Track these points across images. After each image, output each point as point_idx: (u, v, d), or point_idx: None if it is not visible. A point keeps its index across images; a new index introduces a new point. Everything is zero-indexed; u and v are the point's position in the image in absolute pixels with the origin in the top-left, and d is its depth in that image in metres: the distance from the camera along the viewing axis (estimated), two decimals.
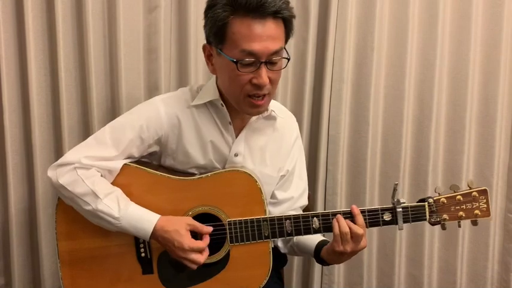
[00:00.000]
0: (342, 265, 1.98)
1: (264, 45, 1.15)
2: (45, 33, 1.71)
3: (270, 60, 1.18)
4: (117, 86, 1.74)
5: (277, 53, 1.19)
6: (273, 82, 1.22)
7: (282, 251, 1.48)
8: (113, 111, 1.78)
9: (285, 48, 1.22)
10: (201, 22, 1.72)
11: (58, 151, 1.76)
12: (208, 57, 1.29)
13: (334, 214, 1.27)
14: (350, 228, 1.23)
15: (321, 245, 1.35)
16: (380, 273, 2.02)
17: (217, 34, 1.19)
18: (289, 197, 1.45)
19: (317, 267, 1.96)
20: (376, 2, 1.82)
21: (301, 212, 1.46)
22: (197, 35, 1.76)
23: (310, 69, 1.85)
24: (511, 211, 2.03)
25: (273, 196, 1.45)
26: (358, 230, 1.23)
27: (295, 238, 1.41)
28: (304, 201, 1.50)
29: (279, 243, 1.47)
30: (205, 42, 1.28)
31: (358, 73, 1.89)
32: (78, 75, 1.75)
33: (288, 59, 1.24)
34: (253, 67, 1.18)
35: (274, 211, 1.44)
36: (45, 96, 1.74)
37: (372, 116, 1.89)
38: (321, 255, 1.33)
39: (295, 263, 1.97)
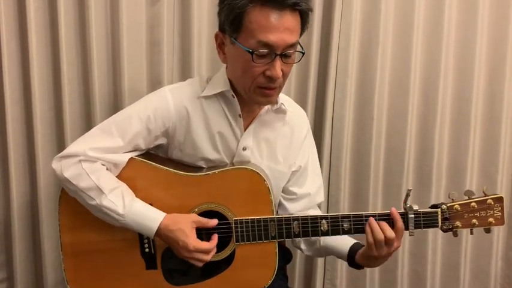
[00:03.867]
0: (344, 261, 1.97)
1: (281, 37, 1.13)
2: (48, 27, 1.69)
3: (285, 53, 1.17)
4: (119, 79, 1.73)
5: (292, 46, 1.17)
6: (284, 75, 1.21)
7: (305, 253, 1.46)
8: (115, 105, 1.76)
9: (299, 42, 1.20)
10: (204, 14, 1.75)
11: (60, 145, 1.75)
12: (220, 46, 1.26)
13: (346, 216, 1.26)
14: (384, 233, 1.22)
15: (354, 249, 1.33)
16: (383, 268, 2.01)
17: (233, 22, 1.16)
18: (306, 193, 1.43)
19: (320, 262, 1.96)
20: None
21: (318, 210, 1.47)
22: (200, 28, 1.75)
23: (314, 63, 1.84)
24: None
25: (290, 192, 1.43)
26: (392, 234, 1.21)
27: (322, 241, 1.39)
28: (321, 198, 1.48)
29: (302, 245, 1.45)
30: (217, 30, 1.25)
31: (363, 68, 1.87)
32: (80, 68, 1.73)
33: (303, 53, 1.22)
34: (268, 59, 1.16)
35: (295, 207, 1.42)
36: (47, 89, 1.73)
37: (376, 111, 1.88)
38: (356, 260, 1.31)
39: (298, 258, 1.97)
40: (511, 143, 1.97)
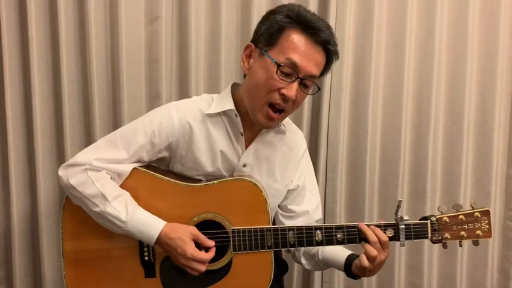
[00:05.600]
0: (341, 273, 1.98)
1: (308, 64, 1.23)
2: (49, 44, 1.74)
3: (304, 81, 1.25)
4: (119, 95, 1.76)
5: (313, 78, 1.27)
6: (295, 103, 1.28)
7: (306, 267, 1.50)
8: (114, 120, 1.80)
9: (315, 83, 1.30)
10: (202, 32, 1.80)
11: (60, 160, 1.78)
12: (247, 56, 1.33)
13: (339, 227, 1.30)
14: (377, 236, 1.26)
15: (350, 260, 1.36)
16: (380, 281, 2.02)
17: (271, 36, 1.25)
18: (305, 211, 1.47)
19: (317, 274, 1.97)
20: (374, 12, 1.84)
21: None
22: (198, 45, 1.79)
23: None
24: (509, 219, 2.04)
25: (288, 210, 1.48)
26: (385, 237, 1.26)
27: (321, 255, 1.43)
28: (319, 215, 1.51)
29: (303, 260, 1.49)
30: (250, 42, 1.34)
31: (357, 82, 1.91)
32: (80, 85, 1.77)
33: (319, 89, 1.35)
34: (289, 79, 1.24)
35: (293, 224, 1.44)
36: (48, 105, 1.77)
37: (370, 124, 1.91)
38: (352, 271, 1.34)
39: (295, 270, 1.98)
40: (503, 155, 2.00)
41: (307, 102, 1.88)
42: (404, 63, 1.88)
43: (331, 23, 1.82)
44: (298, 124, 1.85)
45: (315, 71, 1.25)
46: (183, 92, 1.83)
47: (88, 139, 1.79)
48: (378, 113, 1.93)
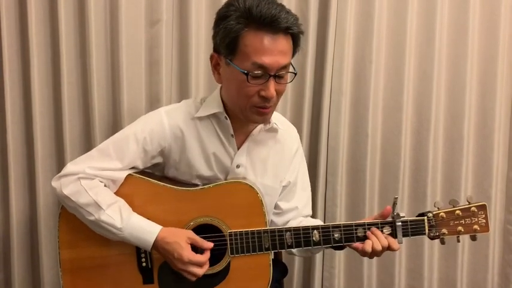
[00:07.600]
0: (342, 277, 1.99)
1: (275, 59, 1.18)
2: (48, 46, 1.74)
3: (278, 74, 1.21)
4: (119, 98, 1.76)
5: (285, 67, 1.22)
6: (278, 94, 1.25)
7: (297, 254, 1.48)
8: (114, 123, 1.79)
9: (291, 63, 1.25)
10: (202, 35, 1.79)
11: (60, 163, 1.78)
12: (215, 67, 1.30)
13: (336, 226, 1.29)
14: (389, 244, 1.27)
15: None
16: (380, 285, 2.02)
17: (229, 45, 1.20)
18: (293, 207, 1.47)
19: (317, 278, 1.96)
20: (374, 15, 1.84)
21: (309, 219, 1.49)
22: (198, 48, 1.79)
23: (309, 81, 1.87)
24: (510, 222, 2.04)
25: (276, 207, 1.47)
26: (396, 245, 1.27)
27: None
28: (309, 211, 1.51)
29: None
30: (212, 51, 1.29)
31: (357, 85, 1.91)
32: (80, 87, 1.77)
33: (295, 74, 1.27)
34: (262, 79, 1.20)
35: (279, 221, 1.45)
36: (48, 108, 1.76)
37: (370, 127, 1.90)
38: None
39: (295, 273, 1.98)
40: (503, 158, 2.00)
41: (306, 105, 1.88)
42: (405, 66, 1.88)
43: (331, 25, 1.82)
44: (298, 127, 1.84)
45: (285, 60, 1.21)
46: (184, 95, 1.83)
47: (88, 142, 1.78)
48: (378, 116, 1.93)
